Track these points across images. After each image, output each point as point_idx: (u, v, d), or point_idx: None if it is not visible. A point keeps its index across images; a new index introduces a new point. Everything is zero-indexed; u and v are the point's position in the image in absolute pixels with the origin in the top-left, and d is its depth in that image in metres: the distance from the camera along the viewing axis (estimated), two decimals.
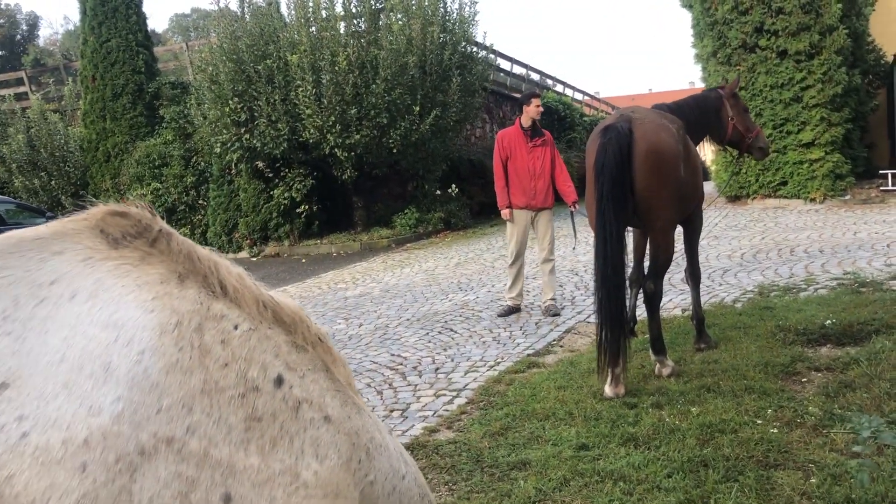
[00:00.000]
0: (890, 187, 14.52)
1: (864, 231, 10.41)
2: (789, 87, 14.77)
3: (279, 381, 1.20)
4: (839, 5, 14.42)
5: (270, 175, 15.74)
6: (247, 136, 14.76)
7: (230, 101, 14.54)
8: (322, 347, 1.35)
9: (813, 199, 14.68)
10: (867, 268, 7.55)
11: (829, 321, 5.26)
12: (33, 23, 54.11)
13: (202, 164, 17.23)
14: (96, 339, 1.11)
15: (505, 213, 7.47)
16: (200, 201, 17.18)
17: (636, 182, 4.41)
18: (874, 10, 16.98)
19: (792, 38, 14.59)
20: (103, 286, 1.16)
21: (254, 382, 1.18)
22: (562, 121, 25.65)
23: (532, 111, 7.35)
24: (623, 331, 4.44)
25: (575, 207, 7.39)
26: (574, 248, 9.05)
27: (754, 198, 15.70)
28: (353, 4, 15.21)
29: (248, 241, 16.13)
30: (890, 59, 18.37)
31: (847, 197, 14.60)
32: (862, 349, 4.70)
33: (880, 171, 15.49)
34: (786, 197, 15.16)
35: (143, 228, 1.26)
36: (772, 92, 14.95)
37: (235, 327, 1.20)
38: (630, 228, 5.08)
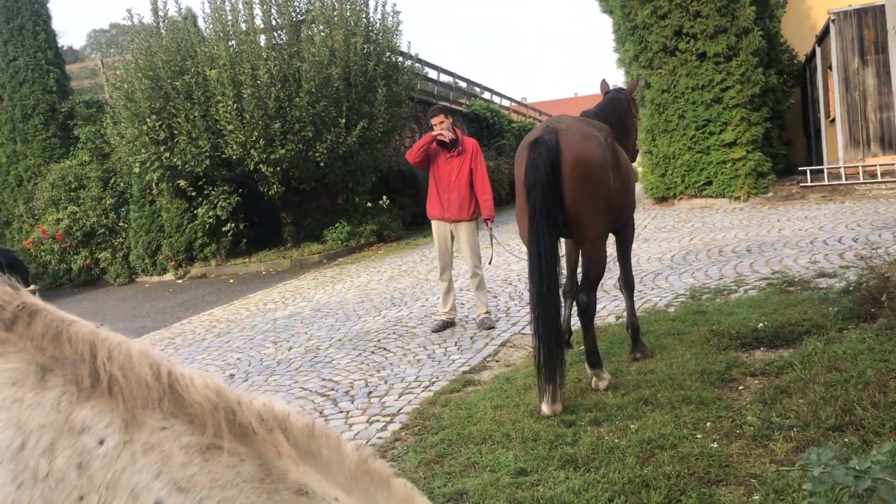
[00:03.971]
0: (809, 183, 14.94)
1: (787, 228, 10.63)
2: (710, 88, 15.09)
3: None
4: (753, 8, 14.83)
5: (194, 193, 15.22)
6: (167, 154, 14.23)
7: (148, 119, 14.01)
8: (262, 440, 0.98)
9: (737, 198, 15.00)
10: (794, 266, 7.66)
11: (761, 324, 5.26)
12: None
13: (121, 184, 16.54)
14: None
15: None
16: (121, 223, 16.48)
17: (565, 194, 4.30)
18: (785, 11, 17.55)
19: (710, 40, 14.91)
20: None
21: None
22: (490, 128, 25.74)
23: (435, 129, 7.14)
24: (560, 348, 4.32)
25: (487, 225, 7.28)
26: (490, 262, 8.57)
27: (681, 198, 15.96)
28: (273, 17, 14.86)
29: (173, 262, 15.56)
30: (802, 58, 19.03)
31: (769, 194, 14.98)
32: (795, 352, 4.68)
33: (799, 168, 15.96)
34: (711, 196, 15.47)
35: None
36: (693, 94, 15.24)
37: (100, 442, 0.91)
38: (562, 239, 4.98)
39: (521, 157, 4.53)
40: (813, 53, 17.88)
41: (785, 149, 17.25)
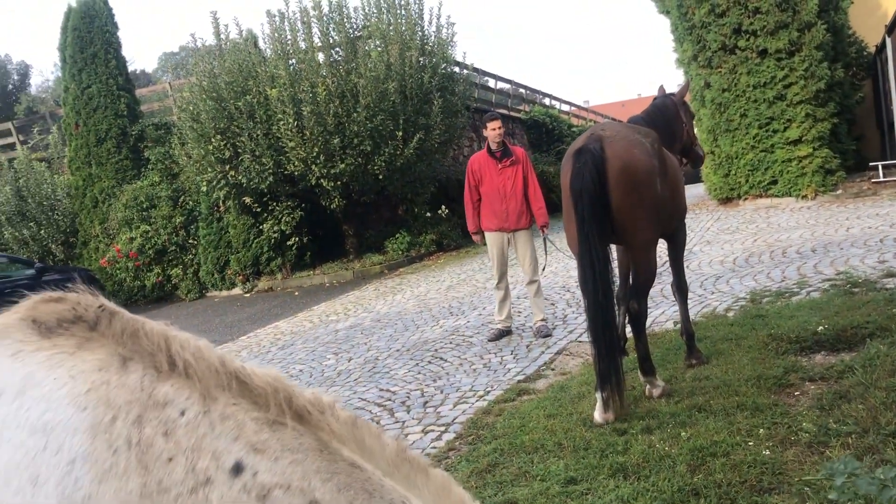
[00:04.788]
0: (881, 179, 14.40)
1: (856, 226, 10.28)
2: (772, 85, 14.72)
3: (237, 469, 1.04)
4: (815, 1, 14.40)
5: (259, 210, 15.64)
6: (232, 172, 14.68)
7: (213, 139, 14.47)
8: (315, 421, 1.13)
9: (804, 196, 14.57)
10: (860, 266, 7.41)
11: (821, 327, 5.12)
12: (24, 72, 53.92)
13: (190, 203, 17.14)
14: (24, 447, 1.01)
15: (475, 238, 7.47)
16: (191, 241, 17.05)
17: (612, 202, 4.29)
18: (853, 2, 16.96)
19: (770, 36, 14.55)
20: (33, 381, 1.06)
21: (205, 474, 1.03)
22: (549, 133, 25.67)
23: (489, 134, 7.20)
24: (617, 356, 4.30)
25: (544, 232, 7.30)
26: (544, 268, 8.37)
27: (745, 198, 15.60)
28: (330, 35, 15.18)
29: (241, 277, 16.00)
30: (872, 50, 18.35)
31: (839, 192, 14.50)
32: (857, 355, 4.55)
33: (870, 164, 15.39)
34: (777, 196, 15.06)
35: (83, 311, 1.16)
36: (755, 92, 14.89)
37: (182, 413, 1.07)
38: (613, 246, 4.96)
39: (566, 166, 4.54)
40: (883, 44, 17.23)
41: (855, 144, 16.63)
